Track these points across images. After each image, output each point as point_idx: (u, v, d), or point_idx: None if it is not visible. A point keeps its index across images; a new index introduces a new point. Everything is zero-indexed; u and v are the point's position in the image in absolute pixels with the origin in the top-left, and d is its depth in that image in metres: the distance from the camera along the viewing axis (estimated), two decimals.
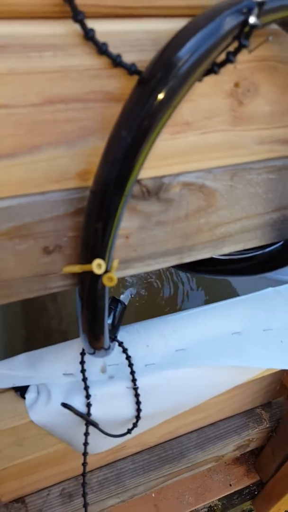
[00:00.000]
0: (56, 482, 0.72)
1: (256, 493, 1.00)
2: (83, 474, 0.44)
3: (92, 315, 0.35)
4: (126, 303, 0.56)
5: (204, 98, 0.27)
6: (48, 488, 0.71)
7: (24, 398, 0.47)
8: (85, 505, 0.44)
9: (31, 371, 0.48)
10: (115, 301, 0.54)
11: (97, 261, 0.29)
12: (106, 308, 0.35)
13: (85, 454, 0.46)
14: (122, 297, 0.57)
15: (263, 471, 0.96)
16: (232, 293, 1.12)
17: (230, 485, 0.99)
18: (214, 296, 1.15)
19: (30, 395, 0.47)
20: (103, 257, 0.29)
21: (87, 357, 0.49)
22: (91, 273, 0.30)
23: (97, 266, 0.29)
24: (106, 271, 0.30)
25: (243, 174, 0.33)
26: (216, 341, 0.55)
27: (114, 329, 0.51)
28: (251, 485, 1.00)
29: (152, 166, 0.30)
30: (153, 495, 0.89)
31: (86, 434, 0.47)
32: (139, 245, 0.35)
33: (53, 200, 0.28)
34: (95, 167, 0.27)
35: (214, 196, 0.34)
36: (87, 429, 0.47)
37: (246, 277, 0.49)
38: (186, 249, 0.38)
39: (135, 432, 0.52)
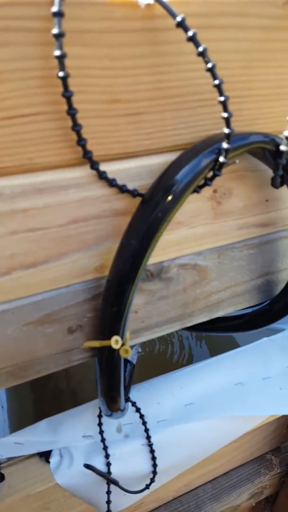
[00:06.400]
0: None
1: None
2: None
3: (109, 381, 0.41)
4: (134, 363, 0.61)
5: (190, 203, 0.35)
6: None
7: (48, 462, 0.51)
8: None
9: (53, 436, 0.53)
10: (124, 362, 0.59)
11: (115, 337, 0.35)
12: (122, 375, 0.41)
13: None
14: (129, 357, 0.62)
15: None
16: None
17: None
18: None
19: (54, 459, 0.51)
20: (119, 334, 0.35)
21: (103, 418, 0.54)
22: (109, 346, 0.36)
23: (115, 341, 0.35)
24: (122, 345, 0.36)
25: (228, 253, 0.40)
26: (220, 392, 0.60)
27: (126, 389, 0.56)
28: None
29: (153, 255, 0.36)
30: None
31: (108, 492, 0.51)
32: (146, 317, 0.41)
33: (75, 290, 0.35)
34: (108, 262, 0.34)
35: (206, 271, 0.41)
36: (108, 488, 0.51)
37: (243, 332, 0.55)
38: (186, 315, 0.44)
39: (153, 487, 0.56)
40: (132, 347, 0.54)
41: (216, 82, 0.24)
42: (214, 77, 0.24)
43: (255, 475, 0.87)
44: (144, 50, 0.26)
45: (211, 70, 0.24)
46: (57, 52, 0.22)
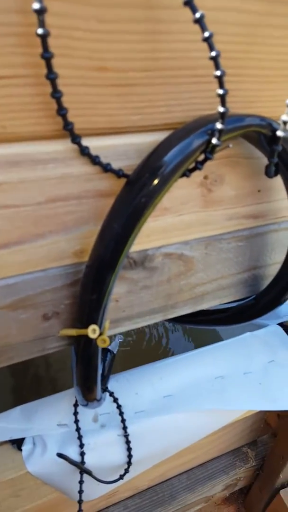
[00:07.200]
0: None
1: None
2: None
3: (86, 371, 0.39)
4: (115, 352, 0.59)
5: (179, 189, 0.32)
6: None
7: (20, 450, 0.49)
8: None
9: (27, 423, 0.51)
10: (104, 351, 0.57)
11: (92, 326, 0.33)
12: (98, 365, 0.39)
13: (80, 501, 0.48)
14: (110, 346, 0.61)
15: (253, 509, 0.97)
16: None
17: None
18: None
19: (26, 447, 0.50)
20: (97, 323, 0.33)
21: (79, 407, 0.52)
22: (86, 335, 0.34)
23: (92, 331, 0.33)
24: (100, 334, 0.34)
25: (216, 244, 0.38)
26: (200, 385, 0.59)
27: (104, 379, 0.54)
28: None
29: (137, 242, 0.34)
30: None
31: (81, 482, 0.49)
32: (128, 306, 0.39)
33: (52, 275, 0.33)
34: (88, 247, 0.32)
35: (192, 262, 0.39)
36: (81, 477, 0.50)
37: (227, 326, 0.54)
38: (169, 307, 0.42)
39: (127, 477, 0.55)
40: (113, 336, 0.53)
41: (213, 53, 0.22)
42: (211, 48, 0.22)
43: (231, 467, 0.87)
44: (136, 14, 0.23)
45: (207, 40, 0.22)
46: (36, 5, 0.19)
